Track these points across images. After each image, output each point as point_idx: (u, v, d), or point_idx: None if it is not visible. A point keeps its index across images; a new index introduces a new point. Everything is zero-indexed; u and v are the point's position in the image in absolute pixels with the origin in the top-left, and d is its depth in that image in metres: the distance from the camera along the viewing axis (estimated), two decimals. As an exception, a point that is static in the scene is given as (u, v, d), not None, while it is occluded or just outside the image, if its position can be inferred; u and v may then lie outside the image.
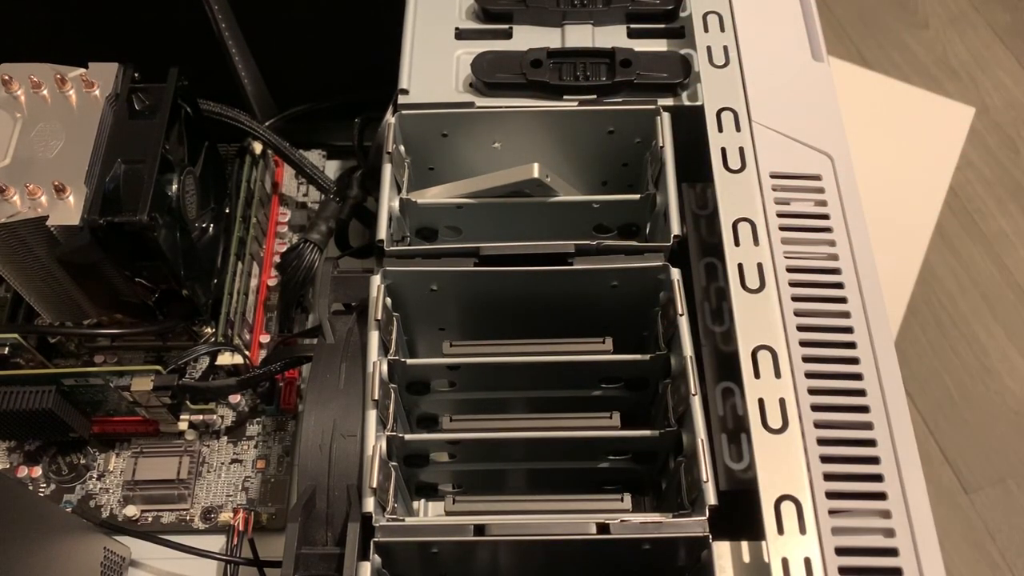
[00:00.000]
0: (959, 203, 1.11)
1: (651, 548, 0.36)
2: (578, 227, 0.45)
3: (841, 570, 0.33)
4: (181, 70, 0.49)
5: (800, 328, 0.38)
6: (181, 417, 0.53)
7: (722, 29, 0.47)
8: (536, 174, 0.43)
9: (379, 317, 0.40)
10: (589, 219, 0.45)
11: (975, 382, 1.02)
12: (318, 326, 0.43)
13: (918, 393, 1.02)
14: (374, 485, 0.36)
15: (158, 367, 0.49)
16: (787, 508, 0.34)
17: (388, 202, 0.43)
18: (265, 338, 0.58)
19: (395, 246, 0.42)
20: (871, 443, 0.36)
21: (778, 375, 0.37)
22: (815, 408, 0.36)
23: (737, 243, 0.40)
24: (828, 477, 0.35)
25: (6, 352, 0.51)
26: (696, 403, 0.37)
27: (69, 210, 0.44)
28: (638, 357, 0.41)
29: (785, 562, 0.33)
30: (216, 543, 0.50)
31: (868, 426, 0.36)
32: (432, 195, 0.46)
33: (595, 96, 0.46)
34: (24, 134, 0.46)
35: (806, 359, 0.37)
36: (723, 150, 0.42)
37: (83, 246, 0.44)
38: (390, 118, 0.45)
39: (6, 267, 0.47)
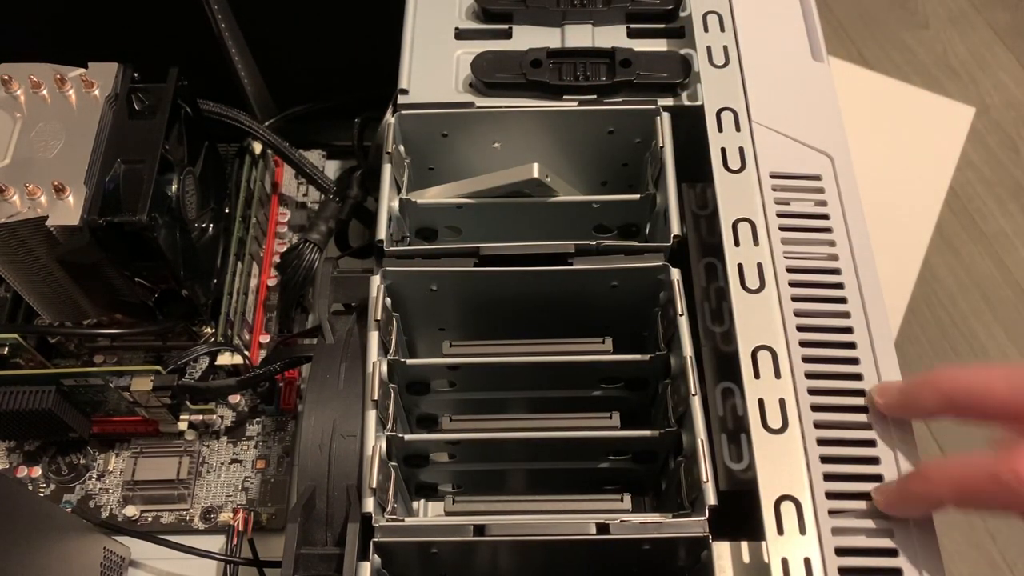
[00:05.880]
0: (959, 203, 1.11)
1: (651, 548, 0.36)
2: (578, 227, 0.45)
3: (841, 570, 0.33)
4: (181, 70, 0.49)
5: (800, 328, 0.38)
6: (181, 417, 0.53)
7: (722, 29, 0.47)
8: (536, 174, 0.43)
9: (379, 317, 0.40)
10: (589, 219, 0.45)
11: (975, 382, 1.02)
12: (318, 326, 0.43)
13: (918, 393, 1.01)
14: (374, 485, 0.36)
15: (158, 367, 0.49)
16: (787, 508, 0.34)
17: (388, 202, 0.43)
18: (265, 338, 0.58)
19: (395, 246, 0.42)
20: (871, 443, 0.36)
21: (778, 375, 0.37)
22: (815, 408, 0.36)
23: (737, 243, 0.40)
24: (828, 477, 0.35)
25: (6, 352, 0.51)
26: (696, 403, 0.37)
27: (69, 210, 0.44)
28: (638, 357, 0.41)
29: (785, 562, 0.33)
30: (216, 543, 0.50)
31: (868, 426, 0.36)
32: (432, 195, 0.46)
33: (595, 96, 0.46)
34: (24, 134, 0.46)
35: (806, 359, 0.37)
36: (723, 150, 0.42)
37: (83, 246, 0.44)
38: (390, 118, 0.45)
39: (6, 267, 0.47)
